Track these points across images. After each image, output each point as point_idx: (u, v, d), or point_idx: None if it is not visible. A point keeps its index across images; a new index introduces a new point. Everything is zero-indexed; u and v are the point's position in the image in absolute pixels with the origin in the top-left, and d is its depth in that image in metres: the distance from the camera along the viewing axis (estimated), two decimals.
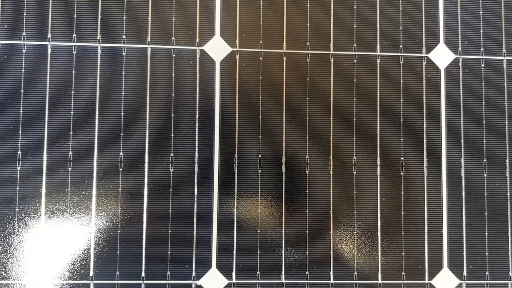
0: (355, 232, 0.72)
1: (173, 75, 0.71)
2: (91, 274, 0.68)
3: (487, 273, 0.73)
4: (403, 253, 0.72)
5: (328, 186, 0.72)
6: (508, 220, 0.74)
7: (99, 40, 0.71)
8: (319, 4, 0.74)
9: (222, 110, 0.71)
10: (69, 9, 0.71)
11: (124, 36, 0.71)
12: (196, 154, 0.70)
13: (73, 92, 0.70)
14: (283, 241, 0.71)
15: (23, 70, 0.69)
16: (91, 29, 0.71)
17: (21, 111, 0.69)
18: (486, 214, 0.74)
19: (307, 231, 0.71)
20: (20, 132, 0.68)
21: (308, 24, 0.74)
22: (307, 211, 0.71)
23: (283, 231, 0.71)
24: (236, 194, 0.71)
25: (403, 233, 0.72)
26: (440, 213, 0.73)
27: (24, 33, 0.70)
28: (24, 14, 0.70)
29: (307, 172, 0.72)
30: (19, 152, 0.68)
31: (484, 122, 0.75)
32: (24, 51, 0.69)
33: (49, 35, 0.70)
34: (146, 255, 0.69)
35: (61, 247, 0.68)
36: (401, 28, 0.75)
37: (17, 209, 0.68)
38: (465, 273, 0.73)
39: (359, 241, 0.72)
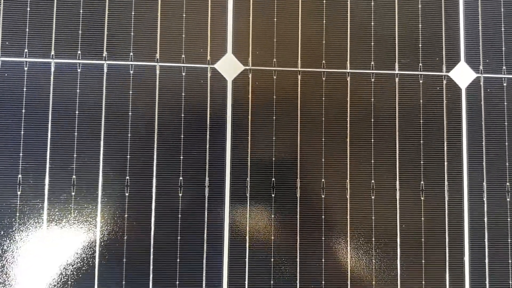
0: (373, 261, 0.68)
1: (183, 94, 0.68)
2: None
3: None
4: (423, 282, 0.68)
5: (345, 212, 0.68)
6: None
7: (105, 58, 0.67)
8: (335, 20, 0.71)
9: (234, 132, 0.68)
10: (74, 25, 0.67)
11: (131, 54, 0.67)
12: (207, 178, 0.67)
13: (77, 112, 0.66)
14: (298, 270, 0.67)
15: (24, 89, 0.66)
16: (97, 46, 0.67)
17: (22, 132, 0.65)
18: (509, 241, 0.70)
19: (323, 260, 0.67)
20: (21, 154, 0.65)
21: (323, 41, 0.70)
22: (323, 238, 0.68)
23: (298, 260, 0.67)
24: (248, 221, 0.67)
25: (423, 261, 0.69)
26: (462, 240, 0.70)
27: (26, 50, 0.66)
28: (27, 30, 0.66)
29: (323, 196, 0.68)
30: (20, 175, 0.64)
31: (506, 144, 0.72)
32: (26, 68, 0.66)
33: (52, 52, 0.67)
34: (153, 286, 0.65)
35: (64, 276, 0.64)
36: (420, 45, 0.72)
37: (17, 237, 0.64)
38: None
39: (377, 270, 0.68)
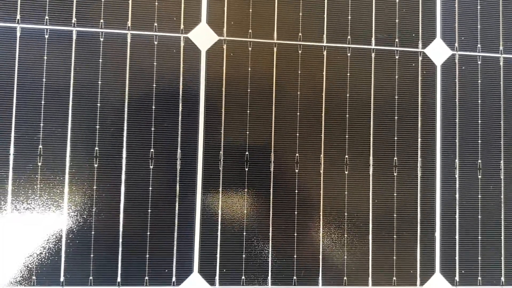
0: (345, 235, 0.68)
1: (155, 64, 0.66)
2: (62, 279, 0.62)
3: (479, 278, 0.70)
4: (394, 257, 0.69)
5: (319, 187, 0.68)
6: (502, 224, 0.71)
7: (74, 24, 0.65)
8: None
9: (208, 103, 0.66)
10: None
11: (102, 20, 0.65)
12: (179, 150, 0.65)
13: (44, 80, 0.63)
14: (270, 244, 0.66)
15: None
16: (66, 11, 0.65)
17: None
18: (479, 217, 0.71)
19: (295, 234, 0.67)
20: None
21: (300, 14, 0.69)
22: (295, 213, 0.67)
23: (270, 234, 0.66)
24: (221, 194, 0.66)
25: (395, 236, 0.69)
26: (434, 216, 0.70)
27: None
28: None
29: (296, 171, 0.68)
30: None
31: (479, 121, 0.72)
32: None
33: (18, 17, 0.64)
34: (122, 258, 0.63)
35: (29, 249, 0.62)
36: (397, 21, 0.72)
37: None
38: (457, 278, 0.70)
39: (349, 244, 0.68)
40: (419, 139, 0.71)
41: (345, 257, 0.68)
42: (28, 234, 0.62)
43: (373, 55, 0.71)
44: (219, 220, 0.66)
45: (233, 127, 0.67)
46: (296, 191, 0.67)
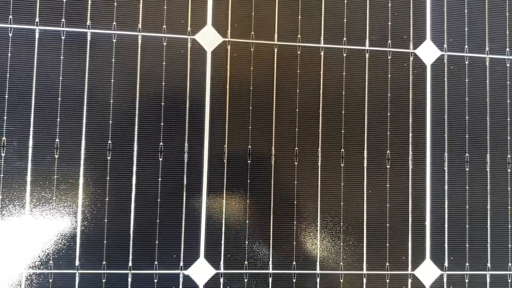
0: (341, 223, 0.73)
1: (164, 63, 0.71)
2: (77, 263, 0.67)
3: (467, 264, 0.75)
4: (387, 244, 0.74)
5: (316, 178, 0.73)
6: (488, 214, 0.76)
7: (89, 26, 0.69)
8: None
9: (213, 100, 0.71)
10: None
11: (114, 23, 0.70)
12: (186, 144, 0.70)
13: (61, 78, 0.68)
14: (271, 232, 0.71)
15: (9, 54, 0.67)
16: (81, 14, 0.69)
17: (7, 96, 0.67)
18: (467, 207, 0.76)
19: (294, 222, 0.72)
20: (5, 117, 0.67)
21: (299, 17, 0.74)
22: (295, 202, 0.72)
23: (271, 222, 0.71)
24: (225, 185, 0.71)
25: (388, 224, 0.74)
26: (424, 206, 0.75)
27: (10, 16, 0.68)
28: None
29: (296, 163, 0.72)
30: (4, 138, 0.67)
31: (467, 118, 0.77)
32: (10, 34, 0.68)
33: (37, 19, 0.68)
34: (133, 244, 0.68)
35: (46, 236, 0.67)
36: (389, 23, 0.77)
37: (0, 197, 0.66)
38: (446, 264, 0.75)
39: (345, 232, 0.73)
40: (410, 134, 0.76)
41: (341, 243, 0.73)
42: (45, 222, 0.67)
43: (367, 55, 0.76)
44: (224, 209, 0.70)
45: (237, 123, 0.71)
46: (296, 182, 0.72)
